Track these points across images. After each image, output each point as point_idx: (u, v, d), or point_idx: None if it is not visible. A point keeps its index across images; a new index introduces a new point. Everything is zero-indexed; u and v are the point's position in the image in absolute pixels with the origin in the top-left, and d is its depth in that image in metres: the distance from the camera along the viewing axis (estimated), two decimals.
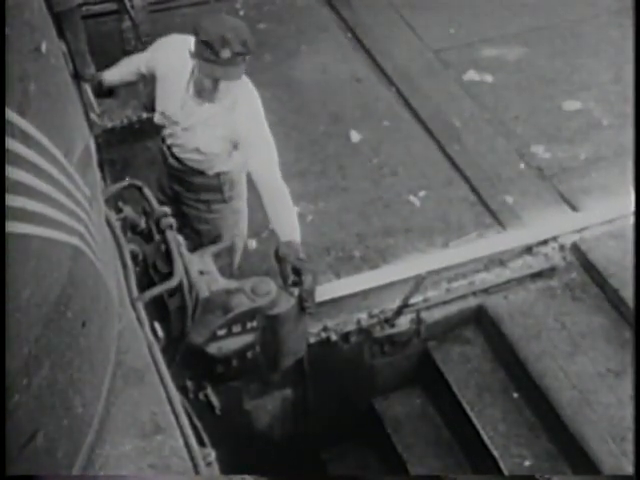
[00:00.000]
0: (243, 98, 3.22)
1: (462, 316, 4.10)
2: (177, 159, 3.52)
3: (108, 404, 1.79)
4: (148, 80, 3.52)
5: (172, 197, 3.67)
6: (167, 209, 2.75)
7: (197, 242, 3.56)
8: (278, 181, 3.20)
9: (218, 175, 3.52)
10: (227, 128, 3.25)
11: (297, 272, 2.97)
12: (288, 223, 3.16)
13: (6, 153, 1.24)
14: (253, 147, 3.23)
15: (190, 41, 3.06)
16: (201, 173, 3.51)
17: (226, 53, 2.93)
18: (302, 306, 2.94)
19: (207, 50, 2.94)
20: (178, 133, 3.40)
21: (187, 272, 2.59)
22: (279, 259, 3.03)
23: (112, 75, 3.52)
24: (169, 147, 3.51)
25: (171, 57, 3.27)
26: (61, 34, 2.98)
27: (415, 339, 4.04)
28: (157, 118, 3.42)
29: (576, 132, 5.10)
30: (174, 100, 3.30)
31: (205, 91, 3.13)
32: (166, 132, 3.46)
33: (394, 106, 5.30)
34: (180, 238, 2.75)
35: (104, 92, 3.60)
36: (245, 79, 3.25)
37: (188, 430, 1.84)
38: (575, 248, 4.26)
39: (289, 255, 2.99)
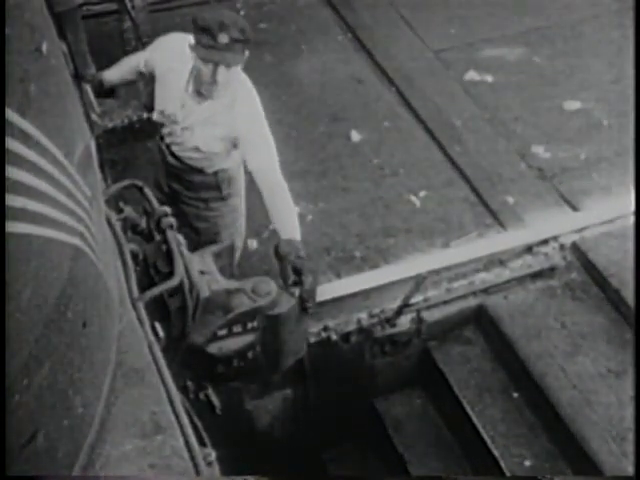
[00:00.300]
0: (242, 96, 3.23)
1: (462, 316, 4.10)
2: (176, 157, 3.52)
3: (108, 404, 1.79)
4: (148, 79, 3.53)
5: (170, 195, 3.68)
6: (167, 209, 2.75)
7: (196, 240, 3.57)
8: (278, 179, 3.21)
9: (216, 173, 3.52)
10: (226, 127, 3.25)
11: (297, 272, 2.97)
12: (289, 221, 3.17)
13: (6, 153, 1.24)
14: (253, 145, 3.24)
15: (190, 39, 3.08)
16: (200, 171, 3.52)
17: (224, 38, 2.95)
18: (303, 306, 2.95)
19: (205, 35, 2.97)
20: (177, 132, 3.40)
21: (188, 272, 2.59)
22: (280, 257, 3.04)
23: (112, 75, 3.53)
24: (168, 146, 3.51)
25: (170, 56, 3.27)
26: (62, 34, 2.98)
27: (415, 339, 4.04)
28: (156, 116, 3.43)
29: (576, 132, 5.11)
30: (173, 99, 3.30)
31: (204, 84, 3.12)
32: (165, 131, 3.46)
33: (394, 106, 5.30)
34: (181, 238, 2.75)
35: (104, 92, 3.60)
36: (244, 77, 3.25)
37: (189, 430, 1.84)
38: (575, 248, 4.26)
39: (290, 254, 2.99)
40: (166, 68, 3.29)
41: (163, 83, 3.34)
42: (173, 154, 3.52)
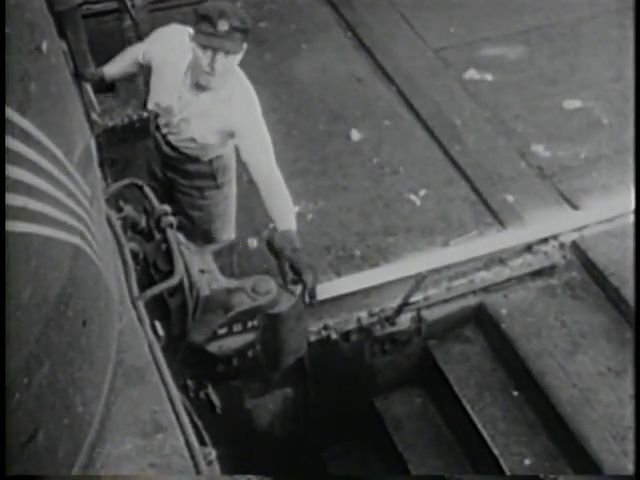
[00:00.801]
0: (238, 91, 3.25)
1: (462, 315, 4.10)
2: (171, 147, 3.53)
3: (109, 403, 1.79)
4: (147, 74, 3.53)
5: (165, 183, 3.69)
6: (167, 207, 2.75)
7: (190, 229, 3.59)
8: (274, 172, 3.24)
9: (211, 161, 3.54)
10: (223, 121, 3.27)
11: (295, 269, 2.98)
12: (285, 212, 3.20)
13: (7, 152, 1.24)
14: (249, 139, 3.26)
15: (188, 31, 3.11)
16: (195, 160, 3.53)
17: (224, 25, 2.97)
18: (309, 302, 2.95)
19: (205, 23, 2.98)
20: (174, 123, 3.41)
21: (188, 271, 2.59)
22: (275, 252, 3.04)
23: (112, 69, 3.54)
24: (164, 135, 3.52)
25: (168, 48, 3.29)
26: (62, 33, 2.98)
27: (415, 338, 4.04)
28: (151, 107, 3.44)
29: (576, 131, 5.10)
30: (170, 91, 3.31)
31: (202, 74, 3.13)
32: (161, 121, 3.47)
33: (394, 105, 5.30)
34: (181, 236, 2.75)
35: (105, 87, 3.62)
36: (240, 73, 3.27)
37: (189, 429, 1.84)
38: (575, 247, 4.26)
39: (285, 248, 2.99)
40: (164, 59, 3.31)
41: (160, 74, 3.35)
42: (169, 143, 3.53)
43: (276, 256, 3.03)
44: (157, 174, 3.71)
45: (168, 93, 3.33)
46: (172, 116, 3.38)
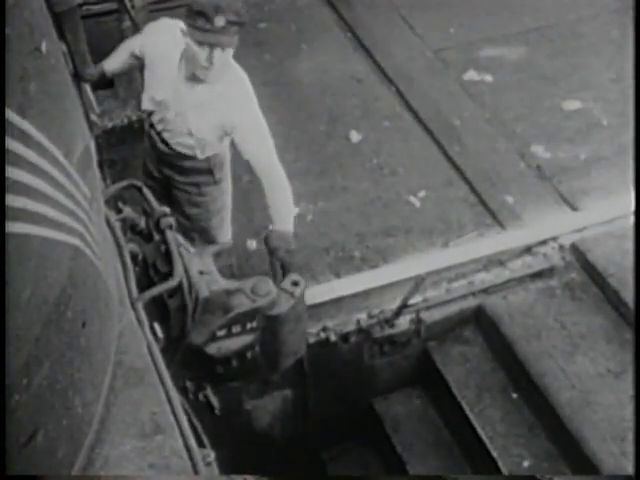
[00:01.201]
0: (234, 84, 3.26)
1: (462, 316, 4.10)
2: (167, 144, 3.52)
3: (108, 404, 1.79)
4: (143, 69, 3.53)
5: (161, 181, 3.68)
6: (167, 209, 2.75)
7: (187, 226, 3.59)
8: (275, 163, 3.26)
9: (208, 158, 3.53)
10: (220, 113, 3.26)
11: (286, 269, 3.01)
12: (284, 211, 3.25)
13: (6, 153, 1.24)
14: (248, 132, 3.26)
15: (179, 25, 3.11)
16: (192, 157, 3.53)
17: (220, 21, 2.97)
18: None
19: (201, 19, 2.98)
20: (169, 118, 3.40)
21: (187, 272, 2.59)
22: (269, 250, 3.15)
23: (112, 64, 3.54)
24: (159, 133, 3.51)
25: (160, 41, 3.30)
26: (61, 34, 2.99)
27: (415, 339, 4.04)
28: (146, 104, 3.43)
29: (576, 132, 5.10)
30: (164, 85, 3.31)
31: (199, 68, 3.13)
32: (156, 118, 3.46)
33: (394, 106, 5.30)
34: (180, 237, 2.75)
35: (104, 82, 3.61)
36: (236, 65, 3.27)
37: (188, 430, 1.84)
38: (575, 248, 4.26)
39: (279, 248, 3.06)
40: (156, 53, 3.31)
41: (153, 68, 3.35)
42: (164, 141, 3.52)
43: (270, 254, 3.09)
44: (153, 172, 3.70)
45: (162, 87, 3.32)
46: (167, 111, 3.37)
